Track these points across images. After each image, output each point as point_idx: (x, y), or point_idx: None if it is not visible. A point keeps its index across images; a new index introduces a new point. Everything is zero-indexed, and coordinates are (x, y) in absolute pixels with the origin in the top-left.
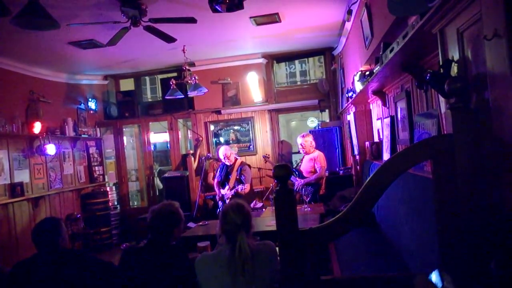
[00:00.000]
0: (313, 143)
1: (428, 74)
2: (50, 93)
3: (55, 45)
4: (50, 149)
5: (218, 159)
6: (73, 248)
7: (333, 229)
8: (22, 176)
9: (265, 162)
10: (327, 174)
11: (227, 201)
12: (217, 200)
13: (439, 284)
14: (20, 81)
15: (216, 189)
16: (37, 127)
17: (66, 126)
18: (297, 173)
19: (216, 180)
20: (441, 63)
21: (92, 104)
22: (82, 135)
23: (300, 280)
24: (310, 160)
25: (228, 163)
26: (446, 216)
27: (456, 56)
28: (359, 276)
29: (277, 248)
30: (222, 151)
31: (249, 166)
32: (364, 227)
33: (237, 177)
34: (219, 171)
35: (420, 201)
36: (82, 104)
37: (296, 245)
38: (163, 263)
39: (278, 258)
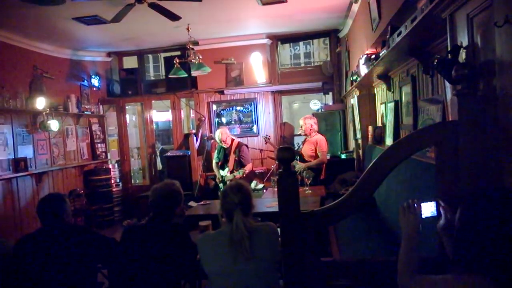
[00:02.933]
0: (315, 127)
1: (436, 60)
2: (53, 69)
3: (58, 21)
4: (53, 125)
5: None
6: (76, 223)
7: (334, 212)
8: (26, 151)
9: (266, 143)
10: (328, 157)
11: (228, 183)
12: (218, 182)
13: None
14: (24, 56)
15: (215, 170)
16: (40, 103)
17: (70, 103)
18: (298, 156)
19: (214, 161)
20: (449, 49)
21: (95, 81)
22: (85, 112)
23: (300, 261)
24: (311, 143)
25: (225, 146)
26: (447, 202)
27: (465, 42)
28: (358, 259)
29: (278, 229)
30: (218, 135)
31: (246, 146)
32: (364, 211)
33: (236, 158)
34: (217, 152)
35: (421, 187)
36: (85, 81)
37: (298, 227)
38: (164, 241)
39: (279, 239)
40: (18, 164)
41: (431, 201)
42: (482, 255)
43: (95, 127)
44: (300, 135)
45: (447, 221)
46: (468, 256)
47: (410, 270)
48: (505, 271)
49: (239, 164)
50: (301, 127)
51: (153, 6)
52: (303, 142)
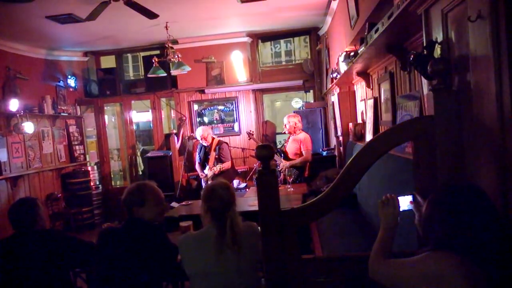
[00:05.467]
0: (299, 125)
1: (412, 55)
2: (27, 69)
3: (31, 19)
4: (28, 127)
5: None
6: (52, 227)
7: (315, 209)
8: (0, 154)
9: (249, 139)
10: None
11: (209, 181)
12: (202, 181)
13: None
14: None
15: (198, 171)
16: (14, 105)
17: (45, 104)
18: (282, 154)
19: (196, 162)
20: (424, 44)
21: (71, 82)
22: (62, 113)
23: (281, 259)
24: (296, 141)
25: (205, 144)
26: (424, 196)
27: (440, 38)
28: (340, 255)
29: (259, 228)
30: (199, 132)
31: (226, 144)
32: (345, 207)
33: (216, 156)
34: (198, 152)
35: (400, 182)
36: (61, 81)
37: (278, 225)
38: (142, 244)
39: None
40: None
41: (409, 195)
42: (448, 234)
43: (72, 129)
44: (282, 133)
45: (420, 214)
46: (435, 236)
47: (381, 256)
48: (471, 246)
49: (219, 161)
50: (285, 125)
51: (130, 3)
52: (287, 140)
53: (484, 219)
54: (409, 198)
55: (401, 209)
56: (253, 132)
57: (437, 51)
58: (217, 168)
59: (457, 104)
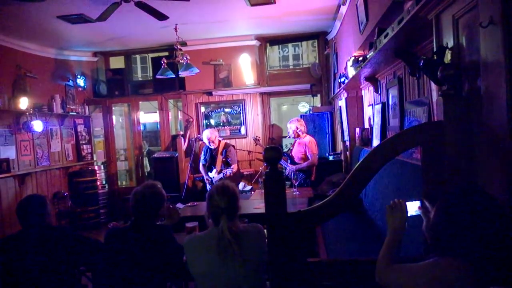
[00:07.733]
0: (301, 128)
1: (422, 61)
2: (37, 68)
3: (42, 19)
4: (37, 125)
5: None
6: (59, 225)
7: (321, 213)
8: (8, 152)
9: (255, 145)
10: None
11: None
12: (206, 183)
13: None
14: (6, 55)
15: (202, 172)
16: (23, 103)
17: (54, 103)
18: (288, 158)
19: (201, 163)
20: (435, 50)
21: (80, 81)
22: (70, 113)
23: (287, 261)
24: (301, 145)
25: (213, 147)
26: (432, 202)
27: (451, 43)
28: (345, 259)
29: (265, 231)
30: (206, 134)
31: (233, 146)
32: (351, 212)
33: (223, 159)
34: (204, 154)
35: (407, 188)
36: (70, 81)
37: (284, 227)
38: (148, 244)
39: (266, 240)
40: (0, 165)
41: (417, 201)
42: (456, 240)
43: (80, 128)
44: (288, 137)
45: (428, 220)
46: (443, 242)
47: (389, 260)
48: (476, 252)
49: (226, 165)
50: (288, 130)
51: (140, 5)
52: (293, 144)
53: (493, 225)
54: (417, 203)
55: (408, 214)
56: (259, 137)
57: (448, 56)
58: (227, 172)
59: (467, 110)
